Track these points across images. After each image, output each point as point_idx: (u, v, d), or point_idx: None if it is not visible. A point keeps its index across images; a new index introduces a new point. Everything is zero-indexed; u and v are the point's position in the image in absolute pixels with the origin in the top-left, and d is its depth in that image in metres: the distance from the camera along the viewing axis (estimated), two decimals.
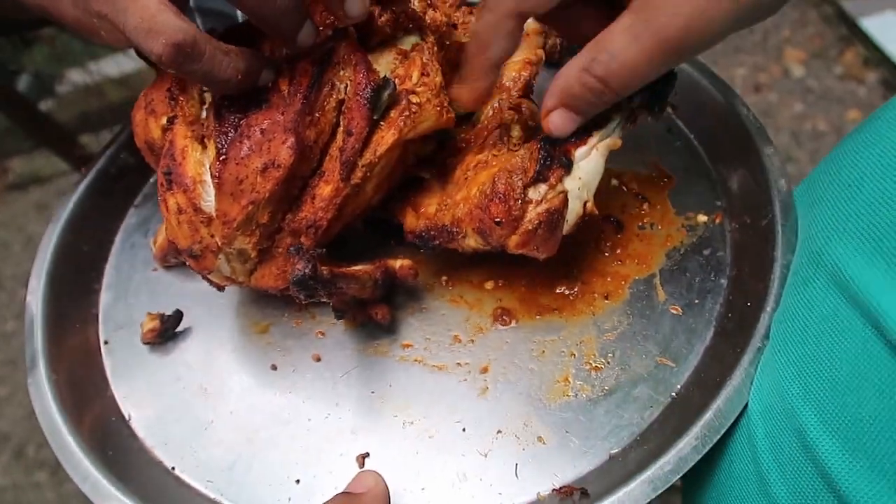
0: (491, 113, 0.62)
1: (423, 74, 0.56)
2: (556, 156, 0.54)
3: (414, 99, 0.55)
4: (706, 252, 0.63)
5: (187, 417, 0.60)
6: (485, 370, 0.59)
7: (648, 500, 0.48)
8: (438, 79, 0.56)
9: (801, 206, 0.58)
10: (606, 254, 0.64)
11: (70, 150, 1.84)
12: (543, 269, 0.62)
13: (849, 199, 0.49)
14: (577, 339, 0.60)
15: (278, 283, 0.57)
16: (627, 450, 0.54)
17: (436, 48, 0.58)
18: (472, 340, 0.61)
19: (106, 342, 0.66)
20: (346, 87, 0.55)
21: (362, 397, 0.59)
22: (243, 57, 0.51)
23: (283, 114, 0.52)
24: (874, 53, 2.04)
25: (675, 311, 0.60)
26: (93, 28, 0.50)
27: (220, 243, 0.53)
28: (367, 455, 0.56)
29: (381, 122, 0.55)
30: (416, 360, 0.60)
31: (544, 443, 0.55)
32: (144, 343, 0.64)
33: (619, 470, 0.52)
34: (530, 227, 0.54)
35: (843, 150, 0.52)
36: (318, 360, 0.61)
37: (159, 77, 0.58)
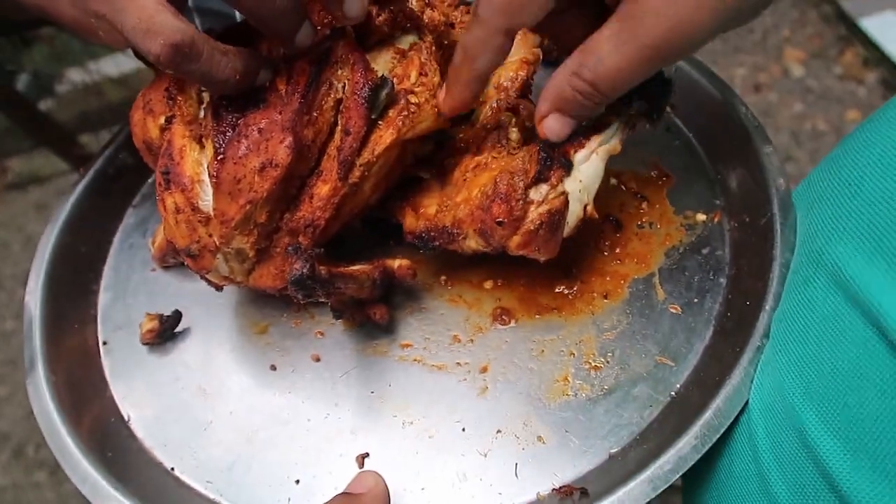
0: (490, 113, 0.62)
1: (421, 74, 0.56)
2: (555, 157, 0.54)
3: (413, 99, 0.55)
4: (705, 251, 0.63)
5: (186, 418, 0.60)
6: (484, 370, 0.59)
7: (648, 500, 0.48)
8: (437, 79, 0.56)
9: (801, 205, 0.58)
10: (605, 253, 0.64)
11: (69, 149, 1.84)
12: (542, 269, 0.62)
13: (849, 199, 0.49)
14: (577, 338, 0.60)
15: (276, 282, 0.57)
16: (627, 449, 0.53)
17: (434, 48, 0.58)
18: (472, 340, 0.61)
19: (105, 343, 0.66)
20: (343, 87, 0.55)
21: (362, 397, 0.59)
22: (241, 57, 0.51)
23: (280, 113, 0.52)
24: (874, 53, 2.04)
25: (674, 311, 0.60)
26: (91, 28, 0.50)
27: (218, 243, 0.53)
28: (366, 455, 0.56)
29: (380, 122, 0.55)
30: (415, 360, 0.60)
31: (544, 442, 0.55)
32: (143, 343, 0.64)
33: (618, 469, 0.52)
34: (532, 228, 0.54)
35: (843, 150, 0.52)
36: (318, 360, 0.61)
37: (157, 77, 0.58)
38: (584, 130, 0.56)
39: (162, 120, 0.56)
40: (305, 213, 0.55)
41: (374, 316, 0.60)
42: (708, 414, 0.50)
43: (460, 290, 0.64)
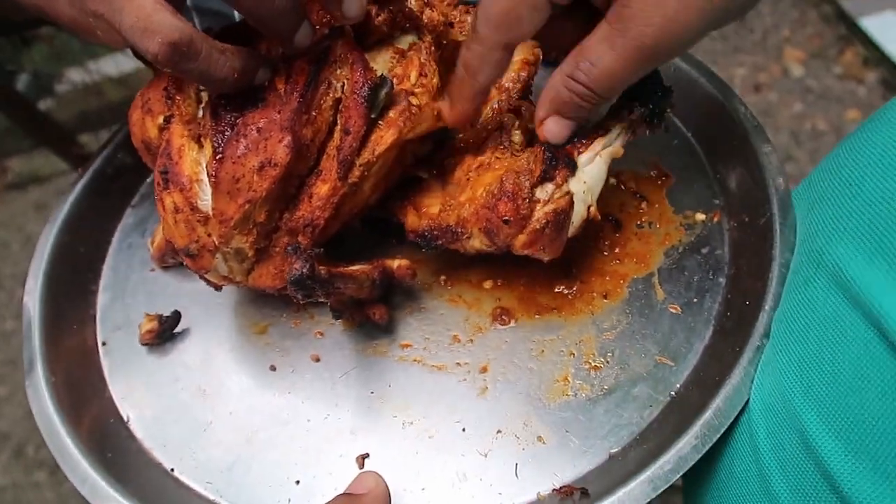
0: (491, 114, 0.62)
1: (420, 75, 0.56)
2: (560, 157, 0.54)
3: (414, 101, 0.55)
4: (704, 251, 0.63)
5: (186, 418, 0.60)
6: (484, 370, 0.59)
7: (649, 500, 0.48)
8: (436, 80, 0.56)
9: (801, 205, 0.58)
10: (605, 253, 0.64)
11: (69, 149, 1.84)
12: (542, 269, 0.62)
13: (849, 199, 0.49)
14: (577, 338, 0.60)
15: (276, 282, 0.56)
16: (627, 449, 0.53)
17: (433, 47, 0.58)
18: (472, 340, 0.61)
19: (104, 343, 0.65)
20: (342, 86, 0.55)
21: (361, 398, 0.59)
22: (239, 56, 0.51)
23: (279, 112, 0.52)
24: (874, 53, 2.04)
25: (673, 310, 0.60)
26: (89, 28, 0.50)
27: (217, 242, 0.53)
28: (366, 456, 0.56)
29: (380, 122, 0.55)
30: (415, 360, 0.60)
31: (544, 442, 0.55)
32: (142, 344, 0.64)
33: (619, 469, 0.52)
34: (538, 227, 0.54)
35: (843, 150, 0.52)
36: (317, 360, 0.61)
37: (156, 77, 0.58)
38: (587, 134, 0.56)
39: (160, 119, 0.56)
40: (305, 213, 0.55)
41: (373, 316, 0.60)
42: (708, 414, 0.50)
43: (460, 290, 0.64)
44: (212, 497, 0.56)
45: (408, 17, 0.57)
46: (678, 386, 0.56)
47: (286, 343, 0.63)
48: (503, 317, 0.61)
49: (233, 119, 0.52)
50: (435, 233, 0.58)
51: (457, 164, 0.61)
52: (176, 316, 0.64)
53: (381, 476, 0.52)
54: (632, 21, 0.47)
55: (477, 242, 0.57)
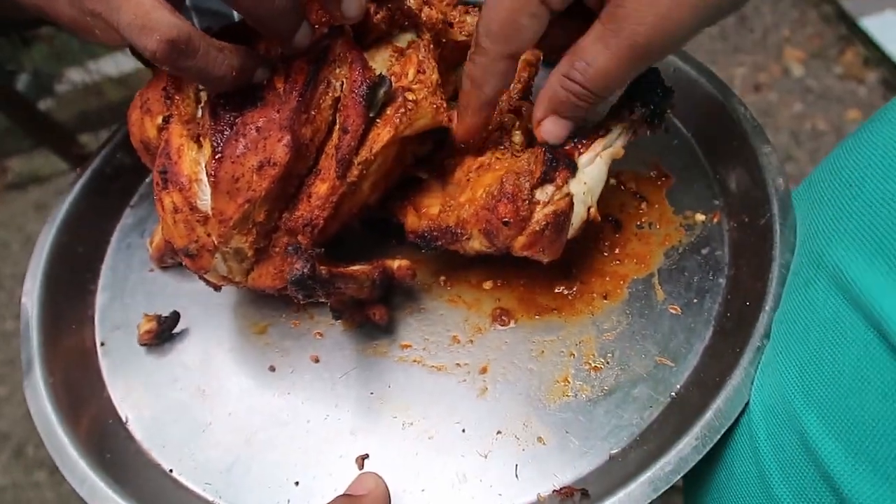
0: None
1: (419, 72, 0.56)
2: (561, 158, 0.54)
3: (410, 96, 0.55)
4: (704, 251, 0.63)
5: (185, 419, 0.60)
6: (484, 371, 0.59)
7: (649, 501, 0.48)
8: (435, 76, 0.56)
9: (801, 206, 0.58)
10: (605, 253, 0.64)
11: (69, 149, 1.84)
12: (542, 270, 0.62)
13: (850, 200, 0.48)
14: (577, 339, 0.60)
15: (275, 282, 0.56)
16: (627, 450, 0.53)
17: (432, 45, 0.58)
18: (471, 341, 0.61)
19: (102, 344, 0.65)
20: (341, 85, 0.54)
21: (361, 398, 0.59)
22: (238, 54, 0.51)
23: (278, 112, 0.52)
24: (874, 53, 2.04)
25: (673, 311, 0.60)
26: (87, 27, 0.50)
27: (216, 242, 0.53)
28: (366, 456, 0.56)
29: (378, 120, 0.55)
30: (414, 361, 0.60)
31: (544, 443, 0.55)
32: (141, 344, 0.64)
33: (619, 470, 0.52)
34: (538, 228, 0.54)
35: (843, 150, 0.52)
36: (317, 360, 0.61)
37: (155, 77, 0.58)
38: (587, 134, 0.56)
39: (159, 119, 0.56)
40: (304, 213, 0.55)
41: (373, 316, 0.59)
42: (708, 414, 0.50)
43: (459, 291, 0.64)
44: (211, 498, 0.55)
45: (406, 14, 0.57)
46: (678, 387, 0.56)
47: (286, 343, 0.63)
48: (503, 317, 0.61)
49: (232, 118, 0.52)
50: (434, 233, 0.58)
51: (457, 164, 0.60)
52: (175, 316, 0.63)
53: (380, 477, 0.52)
54: (625, 20, 0.48)
55: (476, 243, 0.57)
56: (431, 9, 0.60)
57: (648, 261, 0.63)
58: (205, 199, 0.53)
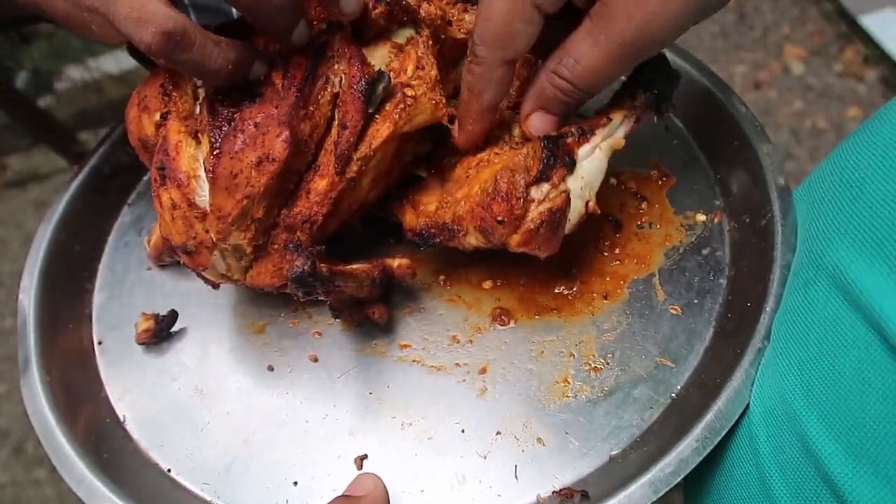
0: None
1: (418, 68, 0.56)
2: (559, 155, 0.53)
3: (409, 92, 0.55)
4: (705, 251, 0.63)
5: (183, 419, 0.59)
6: (483, 371, 0.59)
7: (650, 503, 0.48)
8: (434, 72, 0.56)
9: (801, 206, 0.58)
10: (605, 253, 0.64)
11: (69, 147, 1.83)
12: (542, 269, 0.61)
13: (850, 201, 0.48)
14: (577, 339, 0.59)
15: (274, 280, 0.56)
16: (628, 451, 0.53)
17: (430, 42, 0.58)
18: (471, 341, 0.60)
19: (100, 343, 0.65)
20: (340, 81, 0.54)
21: (360, 398, 0.59)
22: (234, 48, 0.51)
23: (277, 107, 0.52)
24: (874, 51, 2.04)
25: (674, 311, 0.60)
26: (84, 22, 0.50)
27: (214, 239, 0.53)
28: (365, 457, 0.55)
29: (377, 116, 0.54)
30: (414, 361, 0.60)
31: (544, 444, 0.54)
32: (139, 343, 0.63)
33: (619, 472, 0.51)
34: (532, 227, 0.53)
35: (844, 150, 0.52)
36: (316, 360, 0.61)
37: (153, 74, 0.57)
38: (588, 125, 0.56)
39: (157, 116, 0.56)
40: (303, 209, 0.54)
41: (372, 315, 0.59)
42: (709, 416, 0.50)
43: (459, 290, 0.63)
44: (209, 498, 0.55)
45: (405, 10, 0.57)
46: (679, 387, 0.56)
47: (284, 343, 0.62)
48: (503, 317, 0.61)
49: (230, 114, 0.52)
50: (432, 231, 0.58)
51: (457, 161, 0.60)
52: (173, 315, 0.63)
53: (379, 478, 0.52)
54: (613, 19, 0.48)
55: (473, 240, 0.56)
56: (430, 5, 0.60)
57: (649, 261, 0.63)
58: (203, 195, 0.53)
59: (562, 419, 0.55)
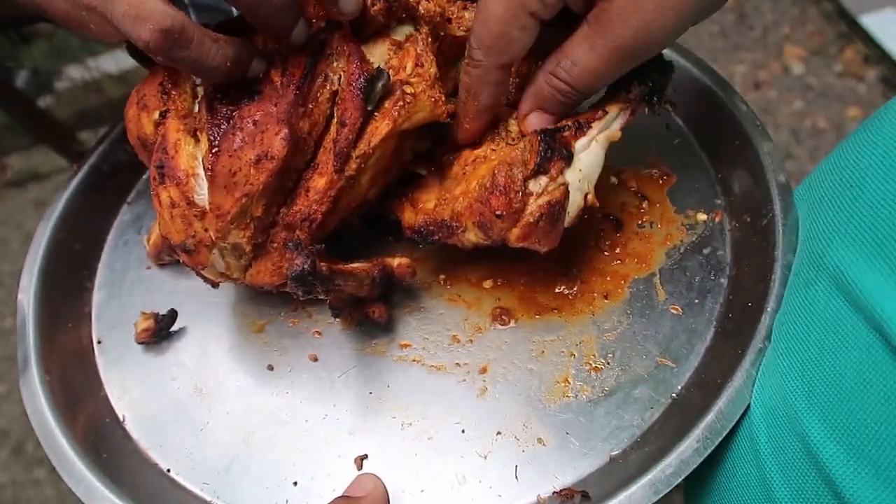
0: None
1: (417, 65, 0.56)
2: (556, 148, 0.53)
3: (408, 90, 0.55)
4: (706, 251, 0.63)
5: (183, 418, 0.59)
6: (484, 370, 0.58)
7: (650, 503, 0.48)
8: (433, 70, 0.56)
9: (801, 205, 0.58)
10: (606, 253, 0.64)
11: (69, 146, 1.83)
12: (542, 268, 0.61)
13: (850, 201, 0.48)
14: (577, 339, 0.59)
15: (273, 278, 0.56)
16: (628, 451, 0.53)
17: (430, 39, 0.58)
18: (471, 340, 0.60)
19: (99, 342, 0.65)
20: (339, 79, 0.54)
21: (360, 398, 0.58)
22: (232, 45, 0.51)
23: (276, 105, 0.51)
24: (874, 51, 2.03)
25: (675, 311, 0.60)
26: (82, 21, 0.50)
27: (214, 237, 0.53)
28: (365, 457, 0.55)
29: (376, 113, 0.54)
30: (414, 360, 0.60)
31: (544, 444, 0.54)
32: (138, 343, 0.63)
33: (619, 472, 0.51)
34: (531, 220, 0.53)
35: (844, 150, 0.52)
36: (315, 359, 0.61)
37: (151, 73, 0.57)
38: (584, 118, 0.56)
39: (156, 115, 0.56)
40: (302, 207, 0.54)
41: (372, 315, 0.59)
42: (710, 416, 0.50)
43: (459, 290, 0.63)
44: (208, 498, 0.55)
45: (404, 7, 0.57)
46: (679, 388, 0.56)
47: (284, 342, 0.62)
48: (503, 317, 0.61)
49: (229, 112, 0.52)
50: (430, 228, 0.58)
51: (455, 158, 0.60)
52: (172, 314, 0.63)
53: (379, 478, 0.52)
54: (610, 23, 0.49)
55: (472, 236, 0.56)
56: (429, 2, 0.60)
57: (650, 260, 0.63)
58: (202, 193, 0.53)
59: (562, 419, 0.55)
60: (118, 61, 2.25)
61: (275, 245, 0.55)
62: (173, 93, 0.55)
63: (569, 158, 0.54)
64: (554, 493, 0.52)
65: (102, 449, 0.57)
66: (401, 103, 0.54)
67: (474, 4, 0.62)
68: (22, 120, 1.75)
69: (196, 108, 0.55)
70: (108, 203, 0.74)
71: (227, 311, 0.65)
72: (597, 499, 0.49)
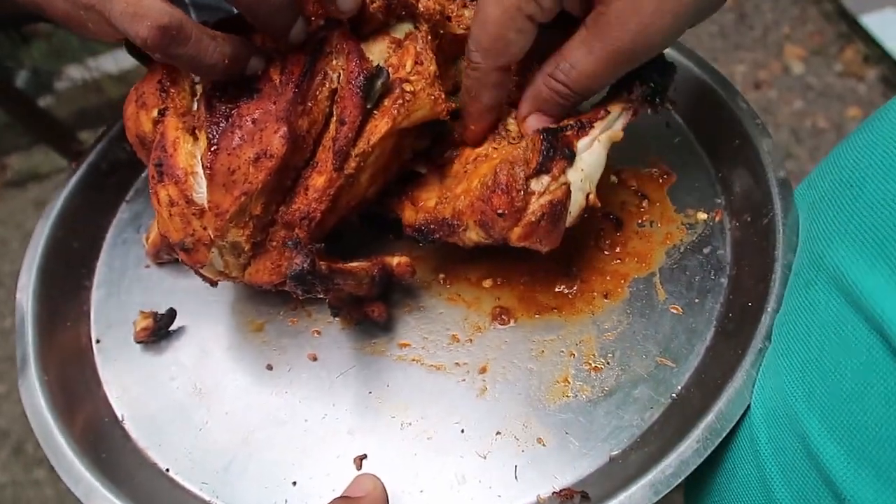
0: None
1: (416, 63, 0.56)
2: (558, 147, 0.53)
3: (408, 87, 0.55)
4: (706, 250, 0.63)
5: (181, 418, 0.59)
6: (483, 370, 0.58)
7: None
8: (433, 68, 0.56)
9: (801, 205, 0.57)
10: (606, 252, 0.63)
11: (68, 146, 1.83)
12: (542, 268, 0.61)
13: (850, 201, 0.48)
14: (577, 338, 0.59)
15: (273, 277, 0.56)
16: (628, 451, 0.53)
17: (429, 37, 0.58)
18: (471, 340, 0.60)
19: (98, 341, 0.65)
20: (338, 77, 0.54)
21: (359, 397, 0.58)
22: (230, 42, 0.51)
23: (275, 103, 0.51)
24: (874, 50, 2.03)
25: (675, 311, 0.60)
26: (81, 20, 0.50)
27: (212, 236, 0.52)
28: (364, 457, 0.55)
29: (375, 111, 0.54)
30: (413, 360, 0.60)
31: (544, 444, 0.54)
32: (137, 342, 0.63)
33: (619, 472, 0.51)
34: (533, 219, 0.53)
35: (844, 150, 0.52)
36: (315, 359, 0.61)
37: (150, 71, 0.57)
38: (587, 118, 0.56)
39: (155, 113, 0.55)
40: (301, 206, 0.54)
41: (372, 314, 0.59)
42: (710, 416, 0.50)
43: (459, 289, 0.63)
44: (207, 498, 0.55)
45: (403, 4, 0.56)
46: (679, 388, 0.55)
47: (283, 341, 0.62)
48: (503, 316, 0.61)
49: (228, 110, 0.52)
50: (431, 226, 0.57)
51: (456, 157, 0.60)
52: (171, 313, 0.63)
53: (378, 478, 0.52)
54: (609, 27, 0.50)
55: (473, 235, 0.56)
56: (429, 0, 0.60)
57: (650, 260, 0.63)
58: (201, 191, 0.53)
59: (562, 419, 0.55)
60: (118, 61, 2.25)
61: (274, 244, 0.55)
62: (172, 91, 0.55)
63: (571, 158, 0.54)
64: (553, 493, 0.52)
65: (101, 448, 0.56)
66: (400, 101, 0.54)
67: (474, 2, 0.62)
68: (22, 120, 1.75)
69: (195, 106, 0.55)
70: (107, 201, 0.74)
71: (226, 310, 0.65)
72: (596, 499, 0.49)
